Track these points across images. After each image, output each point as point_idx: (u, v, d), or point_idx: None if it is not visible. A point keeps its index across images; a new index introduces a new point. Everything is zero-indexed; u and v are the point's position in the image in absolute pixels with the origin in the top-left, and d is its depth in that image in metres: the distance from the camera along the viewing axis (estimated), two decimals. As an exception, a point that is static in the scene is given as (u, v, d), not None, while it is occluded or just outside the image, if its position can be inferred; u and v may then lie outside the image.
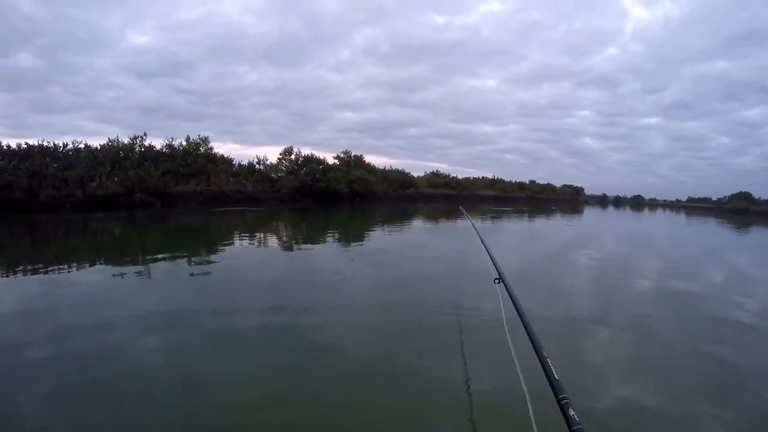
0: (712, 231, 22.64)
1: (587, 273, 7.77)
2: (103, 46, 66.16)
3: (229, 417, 2.60)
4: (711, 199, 73.88)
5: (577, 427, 0.98)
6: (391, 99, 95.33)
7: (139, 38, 69.91)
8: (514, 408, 2.44)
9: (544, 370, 1.21)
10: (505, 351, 1.93)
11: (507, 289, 1.99)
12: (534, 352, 1.31)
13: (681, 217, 36.35)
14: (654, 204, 79.98)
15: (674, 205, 75.69)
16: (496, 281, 2.24)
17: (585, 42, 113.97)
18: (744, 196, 63.77)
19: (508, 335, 1.99)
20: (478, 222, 19.22)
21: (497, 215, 24.24)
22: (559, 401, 1.08)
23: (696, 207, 66.68)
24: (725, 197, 68.34)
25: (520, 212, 28.76)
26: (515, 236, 14.82)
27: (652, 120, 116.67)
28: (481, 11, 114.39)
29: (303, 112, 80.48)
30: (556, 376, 1.16)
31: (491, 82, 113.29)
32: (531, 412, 1.34)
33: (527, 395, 1.45)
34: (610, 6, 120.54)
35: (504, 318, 2.10)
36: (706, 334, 4.55)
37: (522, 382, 1.53)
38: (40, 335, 3.82)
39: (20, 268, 6.68)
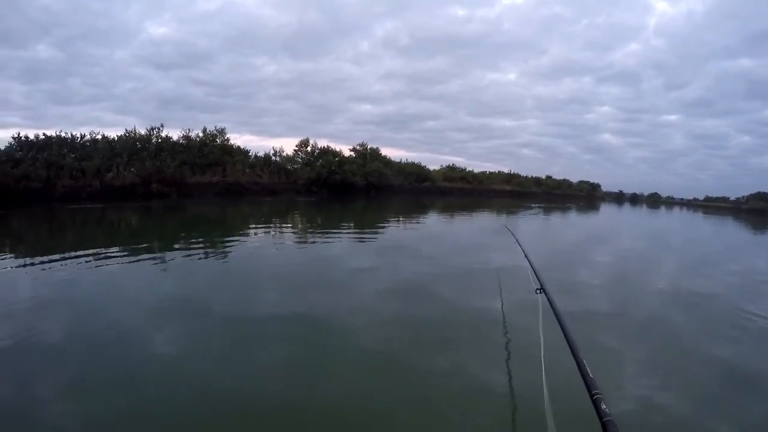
0: (731, 232, 22.00)
1: (608, 270, 7.48)
2: (122, 38, 66.11)
3: (247, 406, 2.58)
4: (729, 198, 72.07)
5: (607, 418, 1.06)
6: (410, 92, 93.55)
7: (158, 29, 69.22)
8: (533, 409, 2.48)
9: (580, 369, 1.30)
10: (534, 352, 2.03)
11: (550, 302, 1.96)
12: (568, 351, 1.43)
13: (698, 216, 35.50)
14: (671, 202, 78.32)
15: (691, 204, 74.00)
16: (538, 291, 2.23)
17: (607, 37, 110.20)
18: (762, 196, 62.11)
19: (542, 339, 2.03)
20: (496, 217, 18.88)
21: (516, 211, 23.77)
22: (592, 396, 1.16)
23: (713, 206, 65.10)
24: (743, 197, 66.73)
25: (545, 208, 28.14)
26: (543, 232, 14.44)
27: (673, 117, 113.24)
28: (503, 4, 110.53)
29: (320, 104, 79.60)
30: (591, 374, 1.25)
31: (511, 76, 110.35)
32: (551, 414, 1.45)
33: (547, 399, 1.60)
34: (633, 0, 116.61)
35: (540, 325, 2.09)
36: (726, 334, 4.37)
37: (545, 388, 1.70)
38: (57, 324, 3.77)
39: (37, 257, 6.50)
